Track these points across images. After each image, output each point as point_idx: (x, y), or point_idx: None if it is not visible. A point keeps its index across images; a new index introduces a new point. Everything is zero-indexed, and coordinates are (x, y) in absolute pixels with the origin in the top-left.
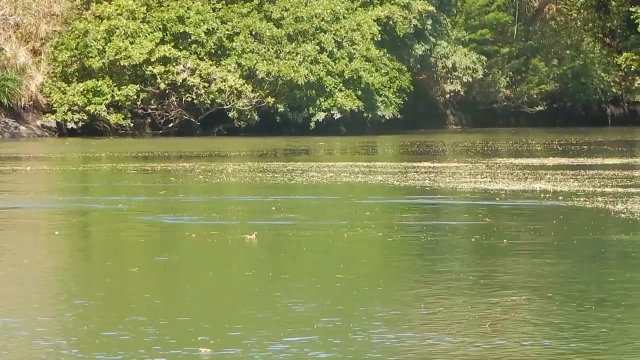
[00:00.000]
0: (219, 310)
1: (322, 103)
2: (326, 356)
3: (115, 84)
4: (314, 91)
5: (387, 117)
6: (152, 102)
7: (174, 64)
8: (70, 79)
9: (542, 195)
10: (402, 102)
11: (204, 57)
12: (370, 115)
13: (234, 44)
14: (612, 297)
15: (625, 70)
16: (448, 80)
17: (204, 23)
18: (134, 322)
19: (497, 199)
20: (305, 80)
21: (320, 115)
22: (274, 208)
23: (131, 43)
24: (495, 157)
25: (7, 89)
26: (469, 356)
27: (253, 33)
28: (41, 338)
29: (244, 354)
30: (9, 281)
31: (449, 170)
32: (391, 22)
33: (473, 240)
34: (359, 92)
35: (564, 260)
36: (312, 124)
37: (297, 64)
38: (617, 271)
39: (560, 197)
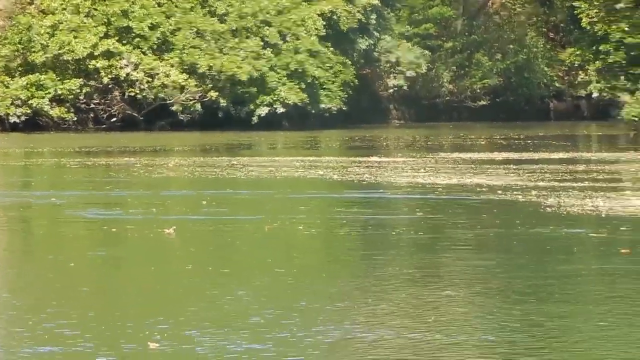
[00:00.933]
0: (161, 306)
1: (265, 98)
2: (273, 351)
3: (58, 78)
4: (256, 87)
5: (332, 111)
6: (95, 96)
7: (118, 58)
8: (13, 74)
9: (479, 189)
10: (345, 96)
11: (147, 52)
12: (314, 109)
13: (177, 39)
14: (542, 291)
15: (569, 65)
16: (391, 75)
17: (148, 17)
18: (80, 317)
19: (436, 193)
20: (248, 76)
21: (263, 110)
22: (204, 202)
23: (75, 37)
24: (438, 151)
25: None
26: (412, 349)
27: (195, 29)
28: None
29: (191, 349)
30: None
31: (390, 165)
32: (335, 17)
33: (410, 234)
34: (303, 86)
35: (495, 255)
36: (255, 119)
37: (240, 60)
38: (548, 265)
39: (499, 192)
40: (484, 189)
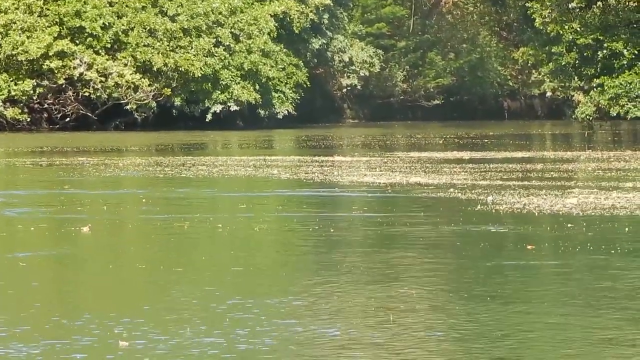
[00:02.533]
0: (120, 304)
1: (219, 96)
2: (232, 351)
3: (11, 79)
4: (209, 84)
5: (282, 114)
6: (49, 96)
7: (71, 58)
8: None
9: (427, 188)
10: (298, 98)
11: (100, 52)
12: (266, 112)
13: (129, 38)
14: (496, 288)
15: (522, 64)
16: (345, 75)
17: (100, 17)
18: (47, 316)
19: (387, 191)
20: (202, 73)
21: (217, 107)
22: (144, 200)
23: (28, 37)
24: (392, 150)
25: None
26: (372, 345)
27: (147, 28)
28: None
29: (154, 346)
30: None
31: (344, 164)
32: (288, 18)
33: (360, 231)
34: (257, 87)
35: (440, 252)
36: (209, 116)
37: (192, 57)
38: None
39: (449, 190)
40: (430, 187)
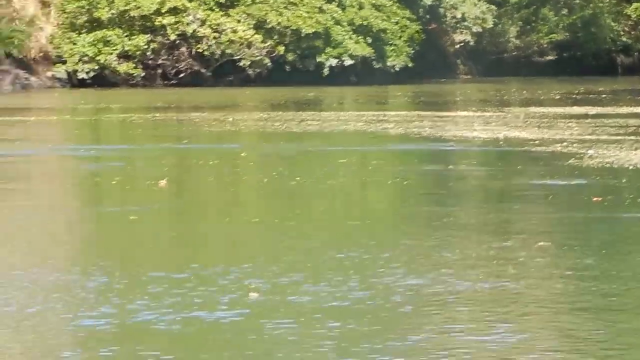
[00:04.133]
0: (242, 255)
1: (332, 51)
2: (357, 296)
3: (125, 35)
4: (321, 41)
5: (397, 67)
6: (162, 52)
7: (184, 14)
8: (79, 30)
9: (542, 143)
10: (412, 51)
11: (214, 8)
12: (380, 65)
13: None
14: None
15: (635, 19)
16: (458, 30)
17: None
18: (182, 267)
19: (501, 145)
20: (314, 30)
21: (332, 62)
22: (243, 154)
23: None
24: (507, 106)
25: (16, 40)
26: (488, 298)
27: None
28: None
29: (283, 295)
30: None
31: (459, 119)
32: None
33: (479, 186)
34: (370, 40)
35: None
36: (326, 71)
37: (304, 14)
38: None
39: (558, 145)
40: (546, 142)
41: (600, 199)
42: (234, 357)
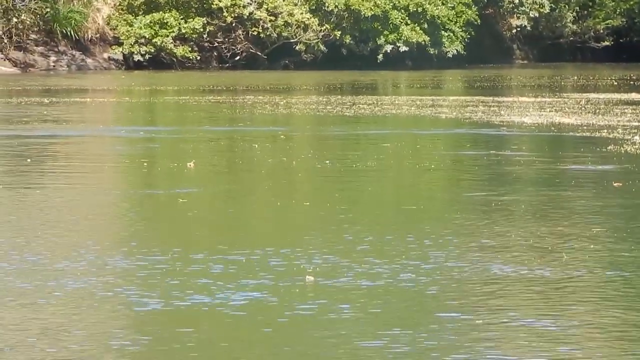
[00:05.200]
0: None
1: (388, 36)
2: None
3: (181, 17)
4: (379, 24)
5: (453, 53)
6: (218, 35)
7: None
8: (136, 12)
9: (591, 128)
10: (468, 37)
11: None
12: (435, 52)
13: None
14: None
15: None
16: (514, 15)
17: None
18: (233, 250)
19: (556, 131)
20: (372, 13)
21: (387, 47)
22: (293, 136)
23: None
24: (563, 91)
25: (73, 21)
26: (538, 285)
27: None
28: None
29: (337, 280)
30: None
31: (514, 104)
32: None
33: (531, 170)
34: (425, 26)
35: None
36: (380, 57)
37: None
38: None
39: (615, 131)
40: (601, 129)
41: (620, 184)
42: (304, 341)
